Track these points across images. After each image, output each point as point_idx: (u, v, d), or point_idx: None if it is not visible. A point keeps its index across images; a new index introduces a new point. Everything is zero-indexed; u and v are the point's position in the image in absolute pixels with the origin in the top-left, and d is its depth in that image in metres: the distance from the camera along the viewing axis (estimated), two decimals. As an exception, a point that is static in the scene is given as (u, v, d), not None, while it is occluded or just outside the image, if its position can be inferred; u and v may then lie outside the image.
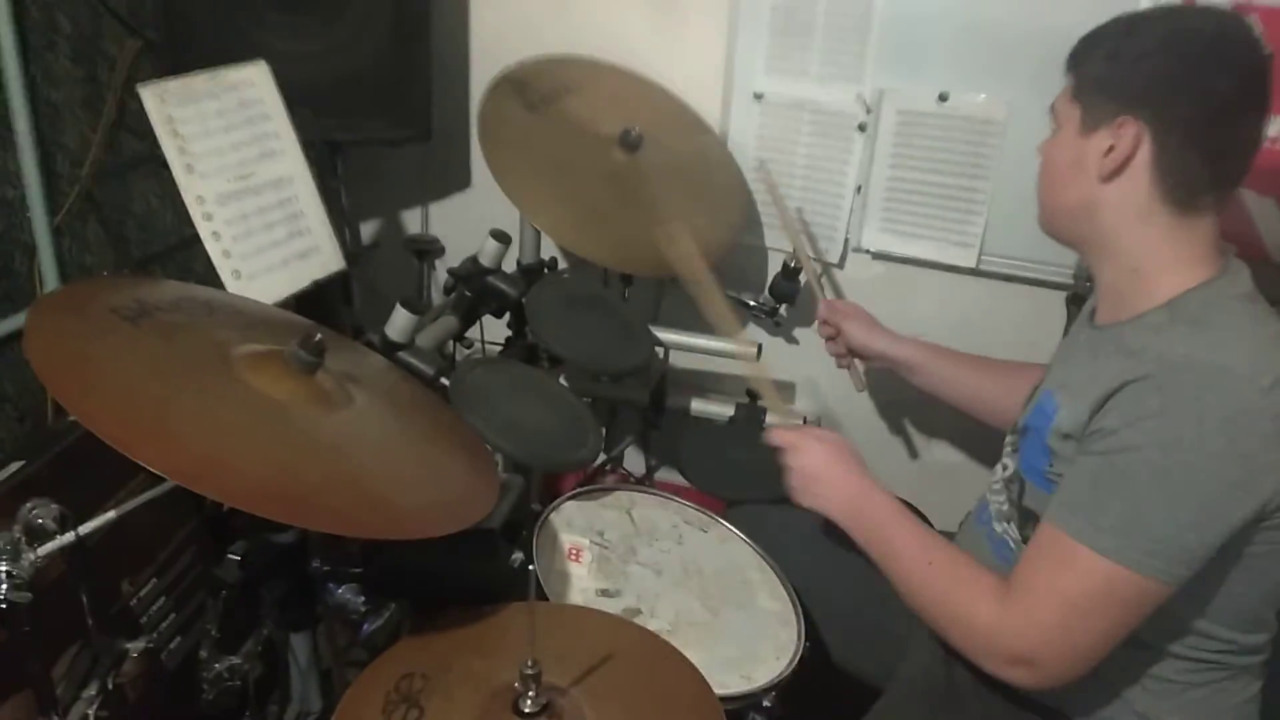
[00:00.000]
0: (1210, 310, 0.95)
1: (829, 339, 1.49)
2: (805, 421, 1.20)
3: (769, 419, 1.22)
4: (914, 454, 1.84)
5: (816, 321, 1.52)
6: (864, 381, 1.56)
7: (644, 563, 1.20)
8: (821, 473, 1.12)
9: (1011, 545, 1.08)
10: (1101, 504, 0.91)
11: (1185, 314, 0.95)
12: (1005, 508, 1.10)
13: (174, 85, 1.20)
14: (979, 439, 1.34)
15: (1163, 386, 0.89)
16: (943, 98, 1.57)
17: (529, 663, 0.84)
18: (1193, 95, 0.94)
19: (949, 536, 1.23)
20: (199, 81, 1.23)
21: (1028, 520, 1.04)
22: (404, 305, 1.24)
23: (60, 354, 0.87)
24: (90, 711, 1.01)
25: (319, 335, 0.95)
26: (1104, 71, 0.99)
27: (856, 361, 1.51)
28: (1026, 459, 1.06)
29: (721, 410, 1.69)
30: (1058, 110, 1.04)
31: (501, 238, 1.44)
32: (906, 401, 1.42)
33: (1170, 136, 0.95)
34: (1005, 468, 1.12)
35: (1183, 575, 0.90)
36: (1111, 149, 0.97)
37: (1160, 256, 0.98)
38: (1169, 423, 0.88)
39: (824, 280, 1.75)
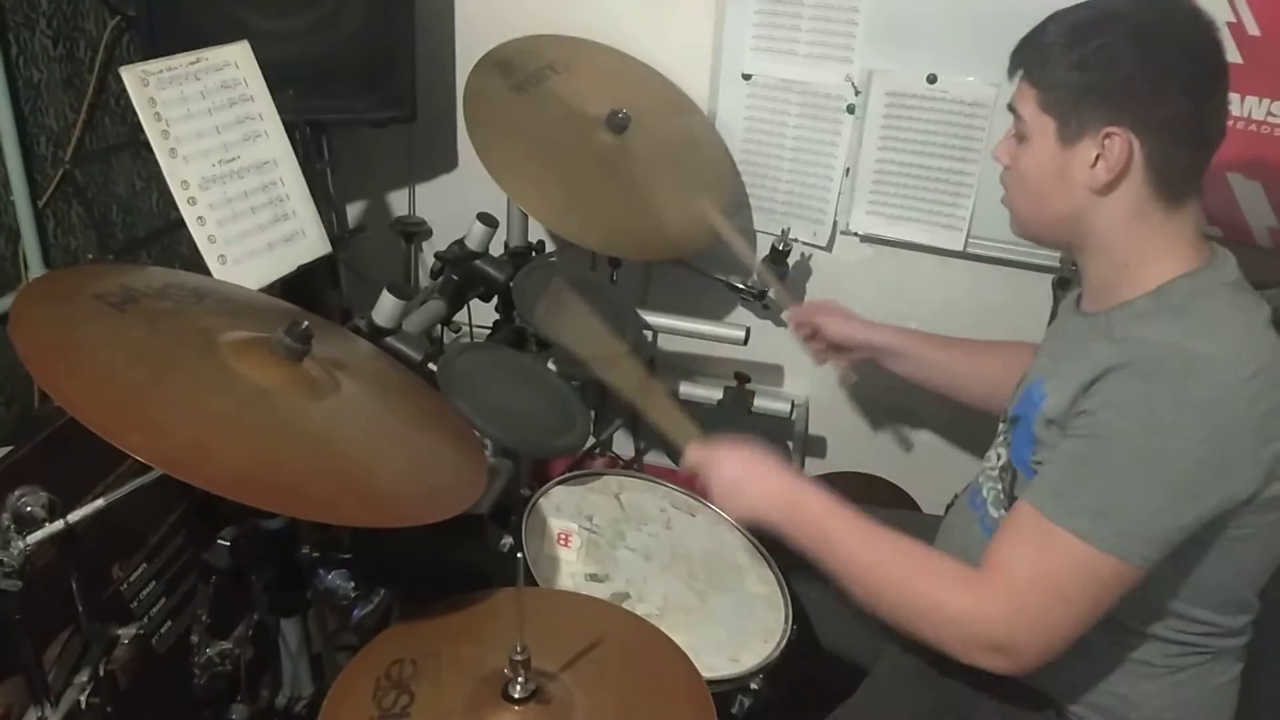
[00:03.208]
0: (1196, 298, 0.95)
1: (807, 339, 1.47)
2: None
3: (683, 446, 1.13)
4: (905, 436, 1.85)
5: (790, 325, 1.49)
6: (852, 372, 1.56)
7: (632, 547, 1.20)
8: (742, 476, 1.08)
9: None
10: (1081, 486, 0.91)
11: (1171, 302, 0.96)
12: (999, 495, 1.10)
13: (155, 67, 1.18)
14: (970, 420, 1.35)
15: (1147, 372, 0.90)
16: (932, 79, 1.56)
17: (518, 648, 0.84)
18: (1173, 92, 0.93)
19: (937, 520, 1.25)
20: (181, 63, 1.21)
21: None
22: (391, 290, 1.24)
23: (45, 340, 0.86)
24: (82, 697, 1.01)
25: (306, 323, 0.94)
26: (1076, 81, 0.95)
27: (837, 355, 1.51)
28: (1016, 449, 1.06)
29: (709, 393, 1.70)
30: (1026, 120, 1.00)
31: (488, 221, 1.44)
32: (896, 383, 1.43)
33: (1161, 137, 0.94)
34: (999, 456, 1.12)
35: (1153, 559, 0.91)
36: (1098, 159, 0.95)
37: (1153, 249, 0.98)
38: (1150, 408, 0.89)
39: (810, 265, 1.76)
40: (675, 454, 1.14)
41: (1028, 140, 1.00)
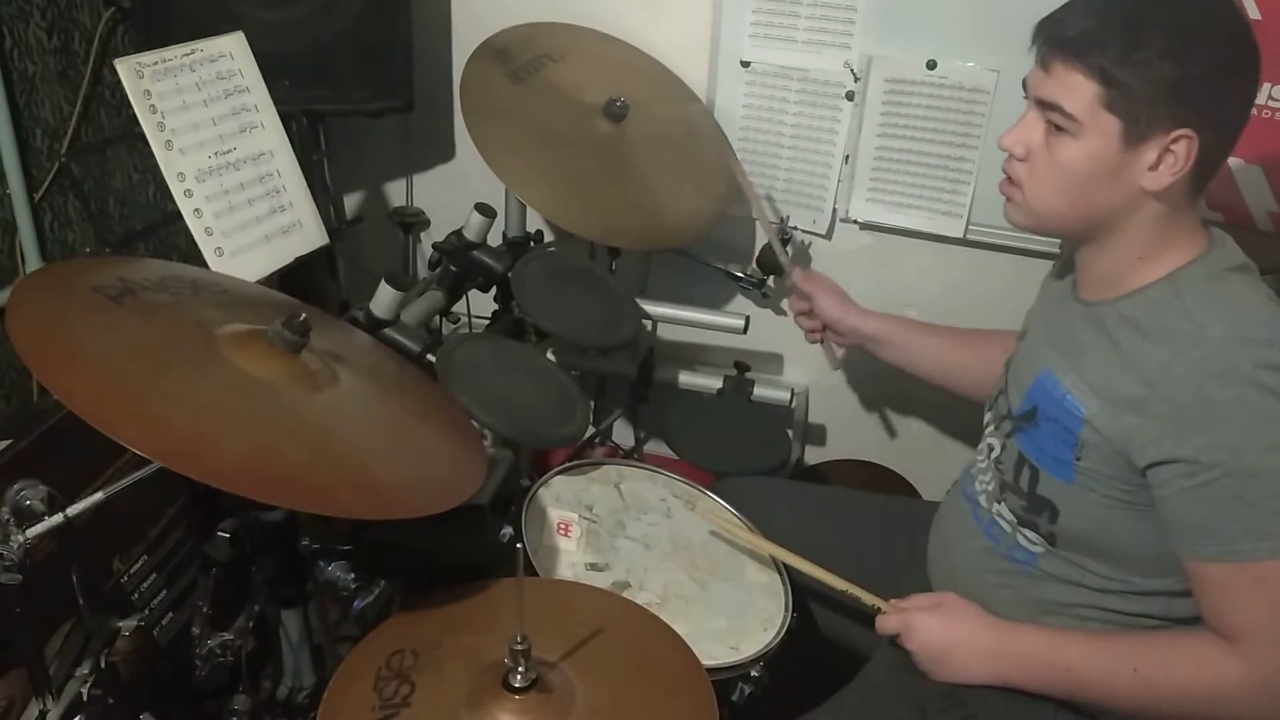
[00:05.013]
0: (1214, 283, 0.95)
1: (801, 313, 1.46)
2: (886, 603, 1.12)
3: (876, 612, 1.12)
4: (905, 423, 1.85)
5: (789, 295, 1.48)
6: (838, 358, 1.56)
7: (632, 536, 1.20)
8: (943, 645, 1.05)
9: (1004, 526, 1.08)
10: (1263, 517, 0.89)
11: (1190, 288, 0.94)
12: (992, 488, 1.10)
13: (150, 59, 1.18)
14: (970, 407, 1.34)
15: (1221, 374, 0.89)
16: (931, 65, 1.55)
17: (519, 638, 0.85)
18: (1235, 90, 0.91)
19: (936, 507, 1.25)
20: (176, 54, 1.20)
21: (1041, 509, 1.02)
22: (389, 281, 1.24)
23: (42, 333, 0.86)
24: (84, 689, 1.02)
25: (303, 315, 0.94)
26: (1155, 80, 0.88)
27: (830, 336, 1.51)
28: (1039, 445, 1.02)
29: (709, 383, 1.70)
30: (1076, 115, 0.92)
31: (486, 211, 1.43)
32: (895, 370, 1.43)
33: (1215, 136, 0.91)
34: (993, 449, 1.11)
35: None
36: (1160, 161, 0.91)
37: (1166, 239, 0.97)
38: (1255, 413, 0.88)
39: (809, 253, 1.75)
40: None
41: (1076, 136, 0.93)
